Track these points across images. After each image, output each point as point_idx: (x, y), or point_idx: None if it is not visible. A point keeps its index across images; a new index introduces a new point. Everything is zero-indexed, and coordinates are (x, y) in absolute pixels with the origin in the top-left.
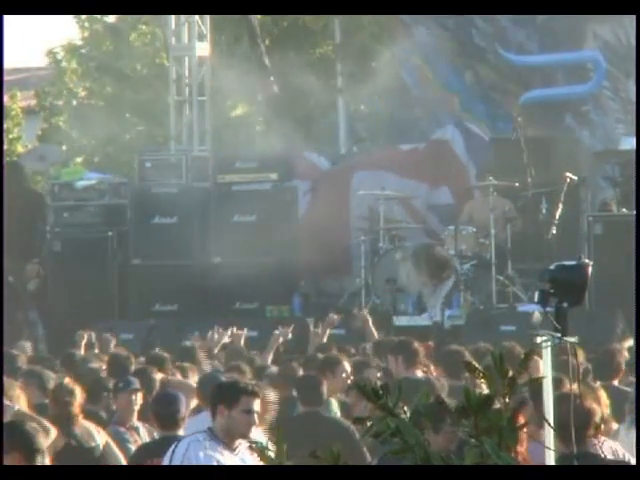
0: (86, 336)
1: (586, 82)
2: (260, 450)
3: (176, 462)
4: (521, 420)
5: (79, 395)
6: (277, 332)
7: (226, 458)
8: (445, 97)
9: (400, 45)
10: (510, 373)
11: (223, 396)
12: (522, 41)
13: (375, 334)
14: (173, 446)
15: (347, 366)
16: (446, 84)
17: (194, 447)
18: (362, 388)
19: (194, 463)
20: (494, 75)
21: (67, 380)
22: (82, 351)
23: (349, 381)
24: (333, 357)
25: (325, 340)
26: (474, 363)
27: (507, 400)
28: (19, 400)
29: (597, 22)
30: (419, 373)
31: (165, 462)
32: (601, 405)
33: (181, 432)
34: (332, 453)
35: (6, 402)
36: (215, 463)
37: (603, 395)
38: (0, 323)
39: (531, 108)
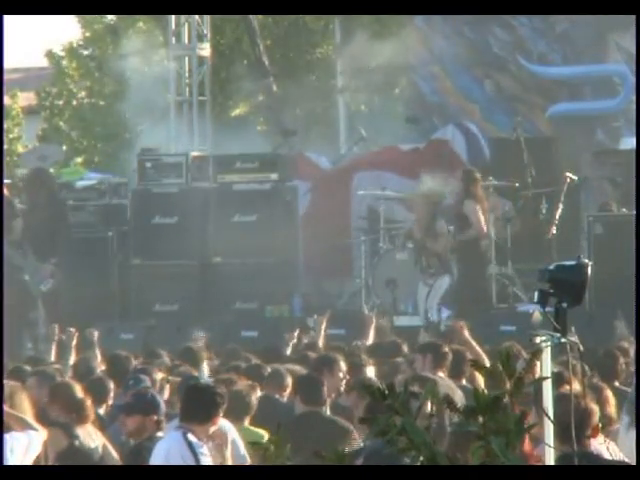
0: (96, 334)
1: (614, 97)
2: (263, 450)
3: (159, 462)
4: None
5: (85, 396)
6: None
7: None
8: (465, 106)
9: (416, 52)
10: (517, 373)
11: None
12: (543, 51)
13: (371, 337)
14: (156, 446)
15: (343, 365)
16: (465, 93)
17: (175, 447)
18: (368, 388)
19: (180, 463)
20: (516, 86)
21: (70, 380)
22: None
23: (344, 381)
24: (330, 356)
25: (322, 340)
26: (480, 362)
27: (514, 400)
28: (22, 406)
29: (618, 32)
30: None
31: (152, 462)
32: (609, 405)
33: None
34: (337, 453)
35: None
36: (207, 463)
37: (610, 395)
38: (0, 323)
39: (561, 121)
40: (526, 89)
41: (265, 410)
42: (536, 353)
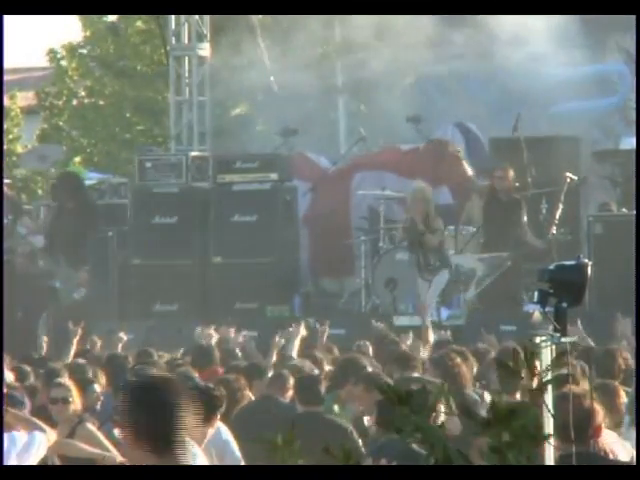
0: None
1: (613, 95)
2: (273, 448)
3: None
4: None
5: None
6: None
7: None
8: (467, 106)
9: (419, 52)
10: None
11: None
12: (546, 52)
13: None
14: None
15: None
16: (467, 93)
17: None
18: (381, 387)
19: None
20: (519, 87)
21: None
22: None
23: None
24: (355, 359)
25: (325, 340)
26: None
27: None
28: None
29: (619, 33)
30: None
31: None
32: (619, 402)
33: None
34: (345, 451)
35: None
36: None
37: (621, 391)
38: (0, 323)
39: (560, 120)
40: (529, 90)
41: (266, 410)
42: (561, 354)
